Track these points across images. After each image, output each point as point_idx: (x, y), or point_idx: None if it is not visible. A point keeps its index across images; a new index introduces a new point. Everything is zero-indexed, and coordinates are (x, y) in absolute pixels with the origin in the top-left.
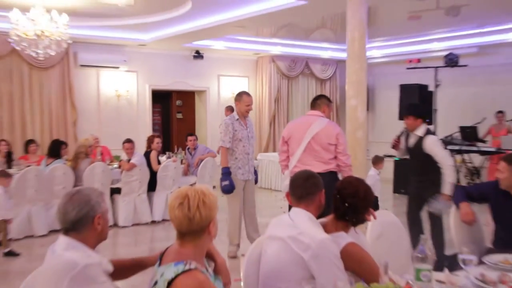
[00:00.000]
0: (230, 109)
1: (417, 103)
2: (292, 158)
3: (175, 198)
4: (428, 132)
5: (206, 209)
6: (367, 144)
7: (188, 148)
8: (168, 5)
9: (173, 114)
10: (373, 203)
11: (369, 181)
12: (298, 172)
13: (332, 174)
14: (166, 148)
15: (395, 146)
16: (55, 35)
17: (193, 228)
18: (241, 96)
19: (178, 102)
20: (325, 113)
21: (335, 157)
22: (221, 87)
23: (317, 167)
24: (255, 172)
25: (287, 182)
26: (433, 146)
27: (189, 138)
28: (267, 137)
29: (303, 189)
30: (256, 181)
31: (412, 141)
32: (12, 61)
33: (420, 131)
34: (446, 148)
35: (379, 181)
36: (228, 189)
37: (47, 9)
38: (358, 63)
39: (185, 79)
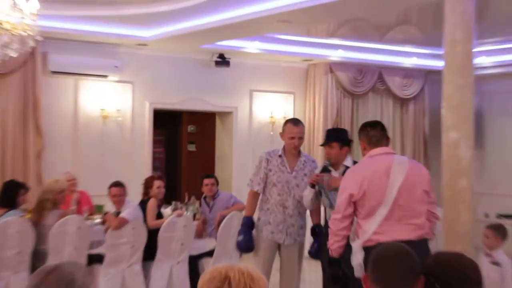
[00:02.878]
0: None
1: (340, 128)
2: (369, 223)
3: (208, 281)
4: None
5: None
6: (473, 199)
7: (205, 197)
8: None
9: (183, 145)
10: None
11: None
12: (385, 248)
13: (425, 244)
14: (172, 195)
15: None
16: (18, 29)
17: None
18: (286, 124)
19: (190, 128)
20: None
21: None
22: (254, 107)
23: (407, 234)
24: (316, 239)
25: (359, 258)
26: None
27: (206, 181)
28: None
29: (397, 275)
30: (313, 253)
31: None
32: None
33: (348, 161)
34: None
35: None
36: (242, 247)
37: None
38: (461, 76)
39: (201, 94)
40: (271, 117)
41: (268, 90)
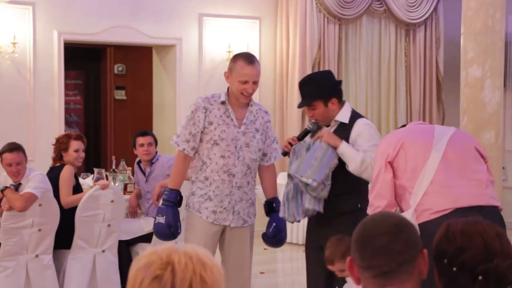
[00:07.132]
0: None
1: (316, 75)
2: (418, 184)
3: (144, 268)
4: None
5: None
6: (503, 156)
7: (139, 163)
8: None
9: (108, 91)
10: None
11: None
12: (372, 222)
13: (498, 212)
14: (94, 160)
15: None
16: None
17: None
18: (234, 61)
19: (118, 69)
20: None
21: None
22: (205, 38)
23: (472, 194)
24: (273, 219)
25: None
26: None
27: (141, 140)
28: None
29: (394, 254)
30: (270, 238)
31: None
32: None
33: (342, 114)
34: None
35: None
36: (161, 231)
37: None
38: None
39: (132, 21)
40: (229, 51)
41: (225, 15)
